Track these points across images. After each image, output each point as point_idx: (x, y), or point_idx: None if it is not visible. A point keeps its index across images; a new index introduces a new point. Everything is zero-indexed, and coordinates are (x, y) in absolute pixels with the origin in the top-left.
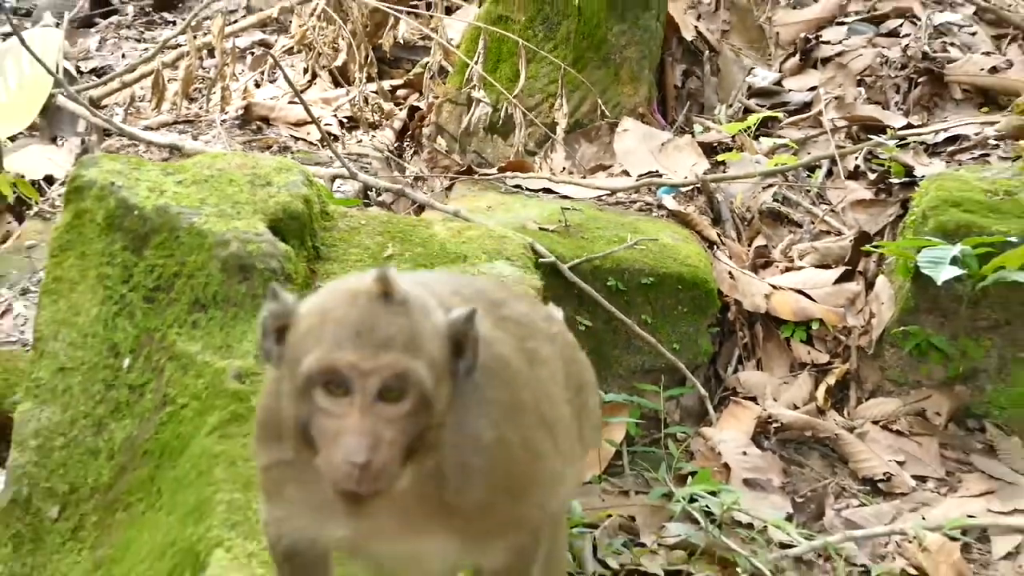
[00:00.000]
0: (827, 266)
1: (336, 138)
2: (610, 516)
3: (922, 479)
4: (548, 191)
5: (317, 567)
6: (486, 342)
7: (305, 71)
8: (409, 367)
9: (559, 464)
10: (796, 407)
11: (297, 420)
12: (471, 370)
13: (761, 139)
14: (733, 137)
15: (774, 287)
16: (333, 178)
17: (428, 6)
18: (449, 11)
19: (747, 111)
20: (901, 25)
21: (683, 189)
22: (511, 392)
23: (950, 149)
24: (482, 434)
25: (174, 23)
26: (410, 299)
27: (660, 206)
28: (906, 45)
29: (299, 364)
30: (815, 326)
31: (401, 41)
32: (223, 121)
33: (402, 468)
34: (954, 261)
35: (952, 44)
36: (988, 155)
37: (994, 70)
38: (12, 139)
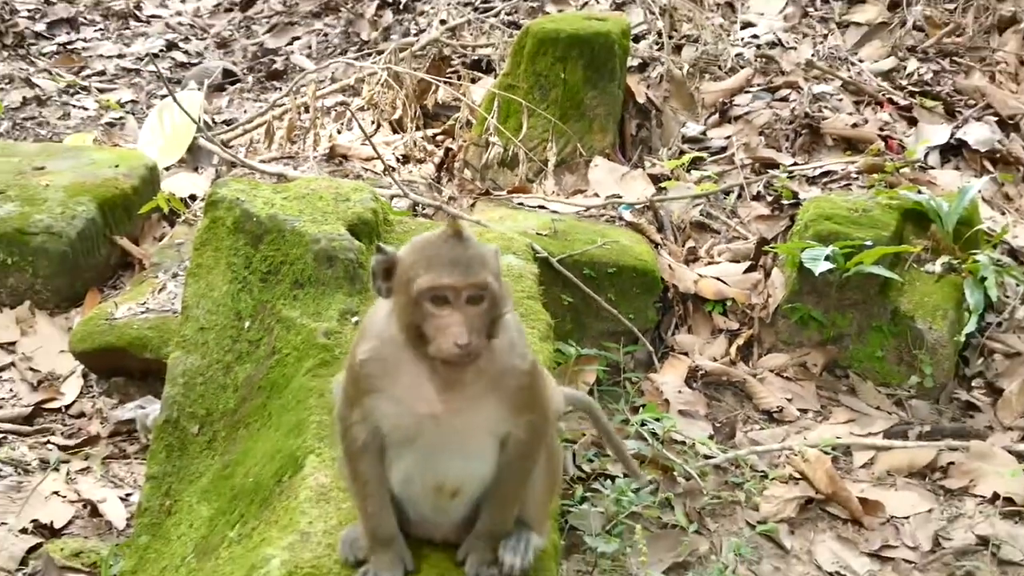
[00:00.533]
0: (738, 261)
1: (394, 169)
2: (584, 435)
3: (804, 411)
4: (542, 207)
5: (381, 464)
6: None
7: (372, 122)
8: (485, 280)
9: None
10: (715, 360)
11: (410, 323)
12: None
13: (691, 172)
14: (672, 171)
15: (700, 275)
16: (392, 197)
17: (459, 77)
18: (474, 81)
19: (682, 152)
20: (790, 94)
21: (637, 207)
22: (523, 330)
23: (824, 180)
24: (519, 340)
25: (281, 88)
26: (472, 236)
27: (620, 218)
28: (793, 107)
29: (412, 285)
30: (729, 303)
31: (440, 101)
32: (315, 157)
33: (486, 346)
34: (827, 258)
35: (825, 107)
36: (850, 184)
37: (855, 125)
38: (167, 169)
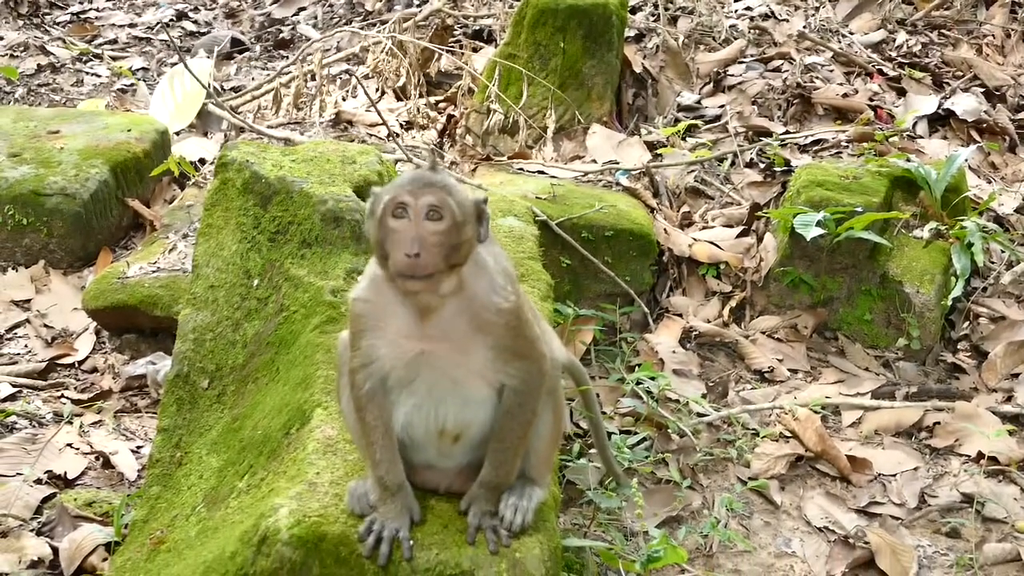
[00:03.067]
0: (731, 226)
1: (398, 135)
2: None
3: (794, 371)
4: (542, 172)
5: (386, 412)
6: (502, 252)
7: (377, 90)
8: (445, 199)
9: (540, 331)
10: (709, 321)
11: (378, 243)
12: (485, 236)
13: (686, 139)
14: (667, 138)
15: (695, 239)
16: (396, 161)
17: (461, 46)
18: (475, 50)
19: (677, 120)
20: (782, 64)
21: (633, 172)
22: (514, 279)
23: (815, 148)
24: (502, 282)
25: (287, 56)
26: (449, 175)
27: (618, 184)
28: (785, 77)
29: (379, 205)
30: (722, 266)
31: (442, 70)
32: (321, 123)
33: (443, 267)
34: (818, 223)
35: (817, 77)
36: (841, 152)
37: (845, 95)
38: (177, 133)
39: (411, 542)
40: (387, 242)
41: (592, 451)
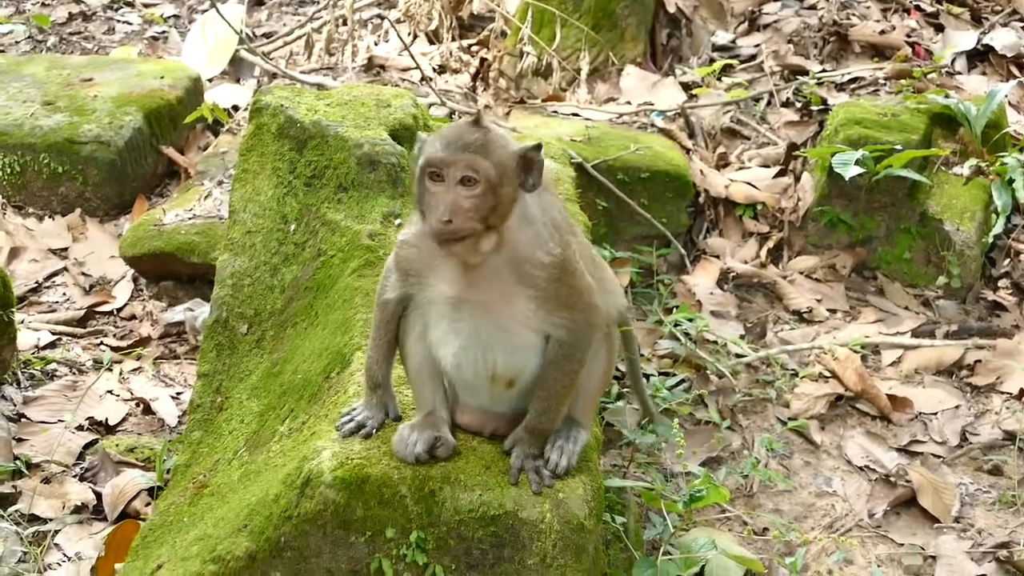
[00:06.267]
0: (768, 166)
1: (431, 79)
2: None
3: (833, 311)
4: (576, 115)
5: (397, 322)
6: (554, 201)
7: (409, 33)
8: (479, 164)
9: (597, 279)
10: (746, 262)
11: (418, 198)
12: (535, 185)
13: (722, 79)
14: (703, 78)
15: (731, 180)
16: (430, 106)
17: None
18: None
19: (712, 60)
20: (818, 1)
21: (668, 114)
22: (563, 229)
23: (852, 86)
24: (547, 235)
25: (318, 1)
26: (492, 128)
27: (652, 125)
28: (821, 15)
29: (418, 160)
30: (759, 207)
31: (475, 12)
32: (353, 68)
33: (479, 229)
34: (857, 162)
35: (853, 14)
36: (878, 90)
37: (882, 32)
38: (210, 80)
39: (377, 431)
40: (423, 202)
41: (627, 389)
